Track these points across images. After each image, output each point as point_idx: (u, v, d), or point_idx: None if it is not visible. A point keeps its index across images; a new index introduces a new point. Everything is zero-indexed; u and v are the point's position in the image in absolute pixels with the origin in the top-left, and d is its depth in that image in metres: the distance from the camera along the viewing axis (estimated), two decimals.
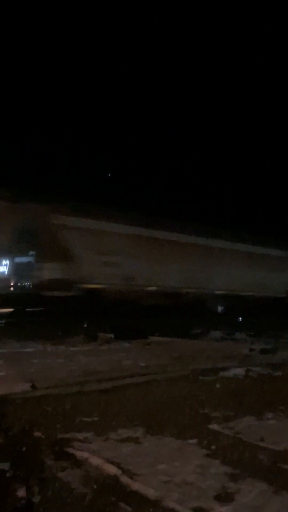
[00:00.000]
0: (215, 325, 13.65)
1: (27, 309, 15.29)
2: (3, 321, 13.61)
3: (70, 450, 3.42)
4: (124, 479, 2.94)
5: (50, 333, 10.67)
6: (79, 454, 3.34)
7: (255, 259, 22.09)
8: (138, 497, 2.72)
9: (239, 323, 17.13)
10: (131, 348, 9.48)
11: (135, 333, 11.12)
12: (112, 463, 3.18)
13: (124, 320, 12.83)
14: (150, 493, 2.76)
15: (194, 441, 3.78)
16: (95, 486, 2.84)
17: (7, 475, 2.95)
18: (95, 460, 3.21)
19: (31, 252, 15.06)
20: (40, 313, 15.09)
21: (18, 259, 15.15)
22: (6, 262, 14.96)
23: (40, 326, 12.32)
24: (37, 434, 3.76)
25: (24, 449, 3.43)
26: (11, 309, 14.90)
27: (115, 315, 13.83)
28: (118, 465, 3.15)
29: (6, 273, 14.88)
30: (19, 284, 15.02)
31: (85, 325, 12.72)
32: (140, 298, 17.08)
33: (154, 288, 18.02)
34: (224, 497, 2.78)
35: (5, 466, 3.06)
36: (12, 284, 14.95)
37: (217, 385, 5.89)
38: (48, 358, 7.67)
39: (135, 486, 2.85)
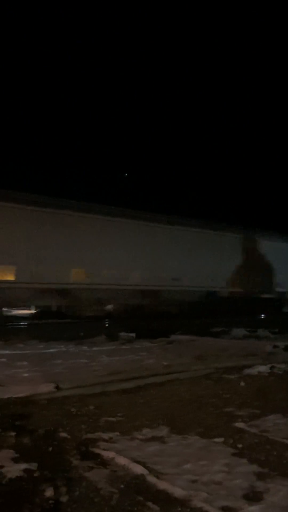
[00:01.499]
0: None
1: None
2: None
3: (96, 450, 3.43)
4: (151, 479, 2.93)
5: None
6: (105, 454, 3.34)
7: None
8: (165, 497, 2.71)
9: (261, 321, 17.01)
10: (153, 347, 9.47)
11: (156, 332, 11.14)
12: (138, 462, 3.18)
13: None
14: (178, 492, 2.74)
15: (220, 440, 3.75)
16: (122, 486, 2.84)
17: (35, 475, 2.97)
18: (121, 460, 3.21)
19: None
20: None
21: None
22: None
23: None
24: (62, 434, 3.78)
25: (50, 449, 3.46)
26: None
27: None
28: (144, 465, 3.14)
29: None
30: None
31: (107, 325, 12.77)
32: None
33: None
34: (252, 496, 2.75)
35: (33, 466, 3.09)
36: None
37: (241, 383, 5.83)
38: (71, 358, 7.72)
39: (162, 485, 2.83)
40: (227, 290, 18.34)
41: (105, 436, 3.79)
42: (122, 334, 11.13)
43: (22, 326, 13.14)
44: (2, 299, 13.07)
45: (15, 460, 3.21)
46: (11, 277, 13.12)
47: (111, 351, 8.61)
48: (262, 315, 18.80)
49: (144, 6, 42.00)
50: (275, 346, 9.28)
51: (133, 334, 11.06)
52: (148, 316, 15.19)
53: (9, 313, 14.60)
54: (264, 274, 19.52)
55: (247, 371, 6.62)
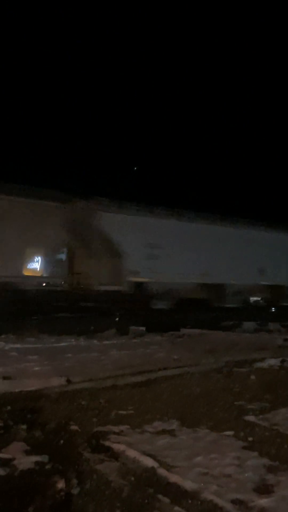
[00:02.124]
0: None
1: None
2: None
3: (107, 443, 3.45)
4: (162, 472, 2.94)
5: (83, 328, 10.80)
6: (116, 447, 3.36)
7: None
8: (176, 489, 2.72)
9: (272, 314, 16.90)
10: (163, 341, 9.48)
11: (166, 326, 11.12)
12: (149, 455, 3.19)
13: None
14: (188, 485, 2.75)
15: (230, 433, 3.75)
16: (132, 479, 2.86)
17: (46, 467, 3.00)
18: (131, 453, 3.23)
19: None
20: None
21: None
22: None
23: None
24: (73, 427, 3.81)
25: (61, 442, 3.49)
26: None
27: None
28: (154, 458, 3.15)
29: None
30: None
31: (117, 319, 12.79)
32: None
33: None
34: (263, 489, 2.75)
35: (44, 459, 3.12)
36: None
37: (252, 377, 5.82)
38: (82, 352, 7.76)
39: (173, 478, 2.84)
40: (35, 281, 12.77)
41: (116, 429, 3.81)
42: None
43: None
44: None
45: (27, 453, 3.24)
46: None
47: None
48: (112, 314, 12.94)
49: (144, 6, 41.50)
50: (285, 340, 9.23)
51: None
52: None
53: None
54: (109, 259, 13.51)
55: (257, 364, 6.60)
